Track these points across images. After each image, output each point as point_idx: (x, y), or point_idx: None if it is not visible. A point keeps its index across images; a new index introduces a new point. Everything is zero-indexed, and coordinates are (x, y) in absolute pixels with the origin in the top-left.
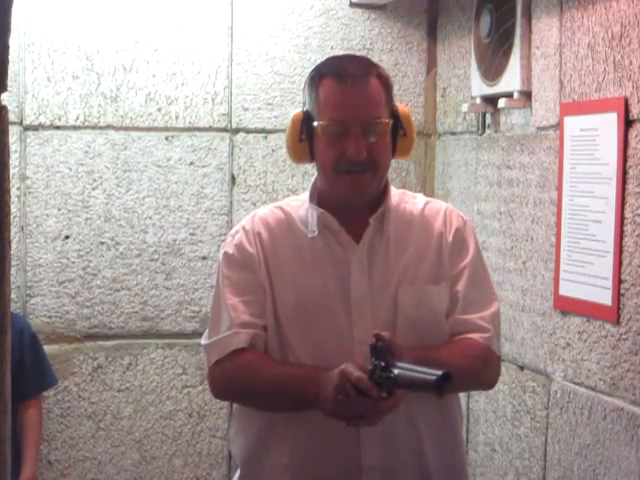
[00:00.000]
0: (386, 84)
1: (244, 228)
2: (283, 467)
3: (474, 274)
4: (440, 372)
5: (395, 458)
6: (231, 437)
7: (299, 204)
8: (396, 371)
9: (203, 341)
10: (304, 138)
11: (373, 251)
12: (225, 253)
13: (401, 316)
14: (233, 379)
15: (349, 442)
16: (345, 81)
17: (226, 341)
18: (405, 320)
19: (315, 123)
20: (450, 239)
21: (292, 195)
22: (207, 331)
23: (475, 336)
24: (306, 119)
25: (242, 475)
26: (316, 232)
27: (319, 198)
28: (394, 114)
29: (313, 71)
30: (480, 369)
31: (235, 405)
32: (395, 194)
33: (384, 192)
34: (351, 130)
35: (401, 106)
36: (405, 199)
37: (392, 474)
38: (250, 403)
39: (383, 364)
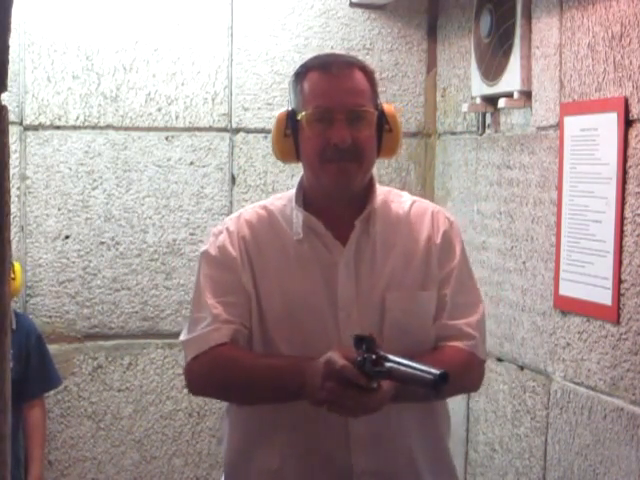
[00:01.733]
0: (371, 78)
1: (228, 230)
2: (273, 473)
3: (461, 277)
4: (438, 371)
5: (386, 462)
6: (219, 439)
7: (284, 203)
8: (388, 364)
9: (182, 337)
10: (289, 134)
11: (360, 254)
12: (207, 252)
13: (388, 321)
14: (212, 372)
15: (339, 447)
16: (329, 71)
17: (206, 336)
18: (392, 325)
19: (300, 115)
20: (438, 241)
21: None
22: (186, 328)
23: (459, 344)
24: (291, 115)
25: (227, 478)
26: (301, 235)
27: (305, 199)
28: (379, 111)
29: (297, 68)
30: (462, 376)
31: (226, 407)
32: (380, 192)
33: (369, 192)
34: (336, 118)
35: (386, 104)
36: (391, 198)
37: (384, 478)
38: (230, 396)
39: (374, 357)
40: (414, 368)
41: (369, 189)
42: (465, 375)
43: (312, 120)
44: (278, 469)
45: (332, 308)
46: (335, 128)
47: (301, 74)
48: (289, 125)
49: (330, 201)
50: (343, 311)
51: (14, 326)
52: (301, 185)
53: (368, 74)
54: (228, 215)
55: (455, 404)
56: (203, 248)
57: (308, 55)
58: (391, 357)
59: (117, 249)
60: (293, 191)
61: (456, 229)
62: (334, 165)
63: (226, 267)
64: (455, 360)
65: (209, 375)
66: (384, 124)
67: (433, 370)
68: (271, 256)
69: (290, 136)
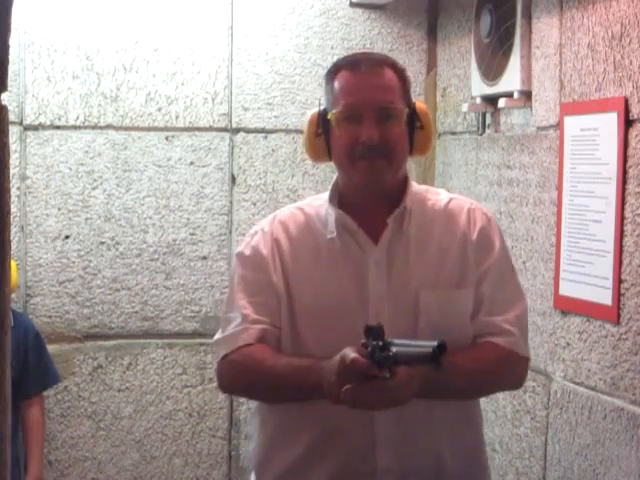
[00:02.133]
0: (402, 76)
1: (263, 230)
2: (298, 468)
3: (500, 273)
4: (435, 342)
5: (411, 461)
6: (249, 435)
7: (320, 203)
8: (394, 349)
9: (216, 336)
10: (320, 132)
11: (392, 252)
12: (241, 253)
13: (423, 320)
14: (238, 372)
15: (364, 444)
16: (359, 69)
17: (235, 336)
18: (427, 325)
19: (330, 114)
20: (474, 238)
21: (292, 195)
22: (220, 327)
23: (497, 340)
24: (322, 114)
25: (257, 474)
26: (335, 233)
27: (340, 199)
28: (411, 108)
29: (329, 67)
30: (499, 372)
31: (256, 405)
32: (419, 191)
33: (403, 190)
34: (364, 115)
35: (419, 102)
36: (428, 196)
37: (407, 477)
38: (255, 396)
39: (381, 343)
40: (415, 346)
41: (403, 187)
42: (503, 371)
43: (341, 118)
44: (302, 464)
45: (363, 307)
46: (364, 126)
47: (332, 73)
48: (320, 124)
49: (363, 199)
50: (373, 310)
51: (12, 323)
52: (336, 185)
53: (399, 72)
54: (228, 215)
55: None
56: (239, 249)
57: (308, 55)
58: (397, 341)
59: (117, 249)
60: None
61: (494, 225)
62: (364, 162)
63: (258, 267)
64: (491, 355)
65: (235, 375)
66: (415, 121)
67: (431, 343)
68: (304, 256)
69: (322, 135)
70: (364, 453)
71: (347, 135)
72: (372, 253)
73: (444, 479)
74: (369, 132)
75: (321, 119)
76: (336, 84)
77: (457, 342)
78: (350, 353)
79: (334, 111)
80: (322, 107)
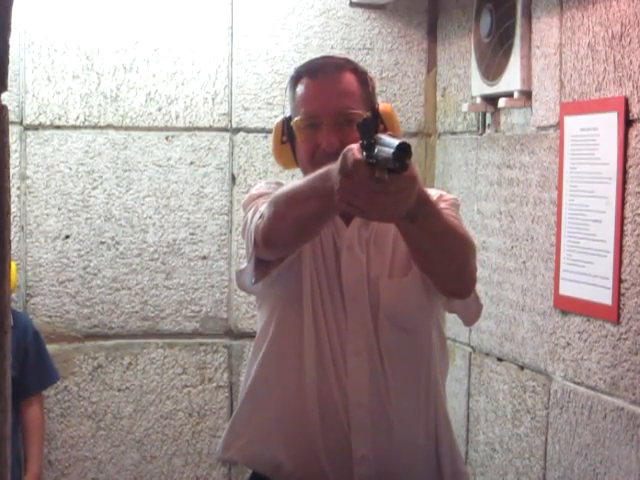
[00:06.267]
0: (363, 79)
1: (264, 184)
2: (276, 463)
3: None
4: (397, 141)
5: (385, 448)
6: (225, 443)
7: None
8: (377, 149)
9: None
10: (285, 140)
11: (361, 238)
12: (252, 194)
13: (382, 307)
14: (269, 208)
15: (339, 433)
16: (316, 76)
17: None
18: (385, 313)
19: (292, 122)
20: None
21: None
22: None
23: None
24: (287, 121)
25: (225, 442)
26: None
27: None
28: (374, 111)
29: (291, 74)
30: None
31: (235, 412)
32: None
33: None
34: (323, 122)
35: (384, 104)
36: None
37: (384, 464)
38: (283, 216)
39: (365, 143)
40: (387, 144)
41: None
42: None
43: (302, 126)
44: (281, 460)
45: (339, 291)
46: (323, 133)
47: (293, 80)
48: (285, 132)
49: None
50: (348, 294)
51: (11, 323)
52: None
53: (359, 75)
54: (228, 215)
55: (455, 404)
56: (246, 198)
57: (308, 55)
58: (382, 137)
59: (117, 249)
60: None
61: (446, 199)
62: None
63: (271, 188)
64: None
65: (267, 215)
66: (379, 124)
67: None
68: None
69: (287, 142)
70: (339, 442)
71: (308, 142)
72: (344, 238)
73: (418, 468)
74: (328, 139)
75: (286, 126)
76: (297, 91)
77: (418, 333)
78: (351, 156)
79: (296, 119)
80: (287, 114)
